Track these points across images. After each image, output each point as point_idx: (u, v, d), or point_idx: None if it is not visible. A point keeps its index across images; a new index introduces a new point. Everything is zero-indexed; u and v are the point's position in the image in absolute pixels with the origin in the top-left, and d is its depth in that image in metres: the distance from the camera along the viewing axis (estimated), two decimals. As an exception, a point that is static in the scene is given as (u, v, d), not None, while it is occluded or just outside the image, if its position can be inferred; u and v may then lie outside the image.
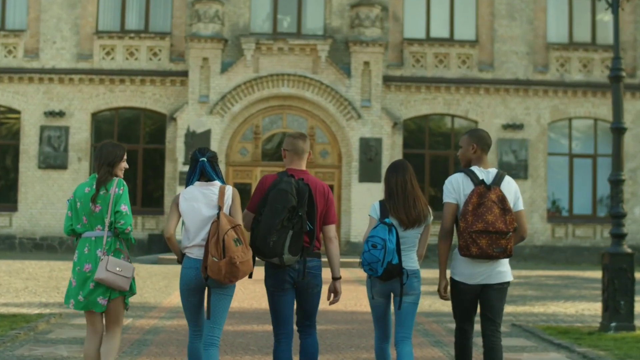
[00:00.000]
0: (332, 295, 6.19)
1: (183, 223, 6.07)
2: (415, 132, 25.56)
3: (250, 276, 5.89)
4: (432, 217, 6.25)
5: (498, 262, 5.95)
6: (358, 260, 6.20)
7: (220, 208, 5.90)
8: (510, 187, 6.03)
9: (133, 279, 6.12)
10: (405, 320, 6.15)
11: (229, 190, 6.04)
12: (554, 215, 25.43)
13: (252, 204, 6.10)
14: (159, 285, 14.99)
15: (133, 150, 24.79)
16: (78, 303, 6.04)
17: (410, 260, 6.14)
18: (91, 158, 24.78)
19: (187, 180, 6.12)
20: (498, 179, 6.00)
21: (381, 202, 6.23)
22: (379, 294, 6.13)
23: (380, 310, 6.21)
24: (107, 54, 24.98)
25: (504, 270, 6.01)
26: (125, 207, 6.05)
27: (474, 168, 6.08)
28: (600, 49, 25.50)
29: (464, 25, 25.53)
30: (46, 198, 24.61)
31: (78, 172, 24.66)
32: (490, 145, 6.28)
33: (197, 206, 5.96)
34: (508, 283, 6.04)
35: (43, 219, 24.60)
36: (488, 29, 25.40)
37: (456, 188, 6.03)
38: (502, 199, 5.87)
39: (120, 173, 6.22)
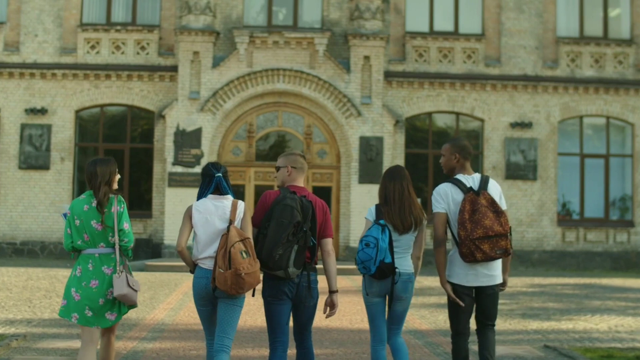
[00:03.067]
0: (329, 308, 6.37)
1: (195, 234, 6.20)
2: (418, 130, 24.24)
3: (252, 294, 6.14)
4: (426, 221, 6.54)
5: (491, 264, 6.20)
6: (357, 267, 6.37)
7: (231, 222, 6.07)
8: (495, 189, 6.33)
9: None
10: (398, 321, 6.49)
11: (241, 205, 6.22)
12: (564, 218, 24.09)
13: (256, 219, 6.22)
14: (143, 297, 13.54)
15: (119, 149, 23.51)
16: (84, 317, 6.11)
17: (406, 263, 6.40)
18: (75, 158, 23.45)
19: (200, 193, 6.27)
20: (484, 184, 6.29)
21: (377, 206, 6.47)
22: (375, 294, 6.36)
23: (375, 310, 6.42)
24: (92, 47, 23.59)
25: (495, 274, 6.27)
26: (127, 225, 6.24)
27: (459, 176, 6.34)
28: (613, 43, 24.18)
29: (469, 18, 24.19)
30: (27, 200, 23.19)
31: (61, 173, 23.26)
32: (471, 152, 6.52)
33: (210, 219, 6.13)
34: (498, 285, 6.34)
35: (24, 222, 23.17)
36: (495, 22, 24.09)
37: (444, 197, 6.27)
38: (492, 202, 6.17)
39: (116, 185, 6.39)
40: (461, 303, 6.20)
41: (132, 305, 6.25)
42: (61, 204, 23.02)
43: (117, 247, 6.16)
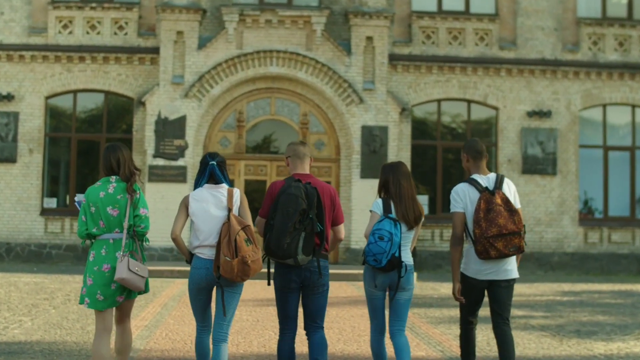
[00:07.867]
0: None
1: (192, 224, 6.31)
2: (426, 119, 22.00)
3: (268, 283, 6.52)
4: (424, 218, 6.70)
5: (505, 260, 6.41)
6: (360, 272, 5.76)
7: (229, 210, 6.23)
8: (509, 188, 6.57)
9: (147, 278, 6.36)
10: (401, 314, 6.56)
11: (237, 192, 6.39)
12: (587, 217, 21.90)
13: (264, 210, 6.35)
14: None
15: (94, 140, 21.26)
16: (95, 302, 6.21)
17: (408, 256, 6.55)
18: (45, 150, 21.08)
19: (196, 182, 6.44)
20: (499, 183, 6.50)
21: (383, 199, 6.55)
22: (380, 286, 6.49)
23: (379, 302, 6.55)
24: (65, 27, 21.24)
25: (510, 269, 6.47)
26: (144, 211, 6.33)
27: (475, 176, 6.55)
28: (639, 24, 22.06)
29: (481, -4, 22.02)
30: (-9, 197, 20.83)
31: (29, 167, 20.88)
32: (481, 151, 6.66)
33: (207, 207, 6.26)
34: (514, 280, 6.55)
35: (-13, 221, 20.82)
36: (510, 1, 21.89)
37: (462, 197, 6.48)
38: (507, 201, 6.39)
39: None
40: (463, 300, 6.50)
41: (139, 290, 6.30)
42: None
43: (125, 232, 6.23)
